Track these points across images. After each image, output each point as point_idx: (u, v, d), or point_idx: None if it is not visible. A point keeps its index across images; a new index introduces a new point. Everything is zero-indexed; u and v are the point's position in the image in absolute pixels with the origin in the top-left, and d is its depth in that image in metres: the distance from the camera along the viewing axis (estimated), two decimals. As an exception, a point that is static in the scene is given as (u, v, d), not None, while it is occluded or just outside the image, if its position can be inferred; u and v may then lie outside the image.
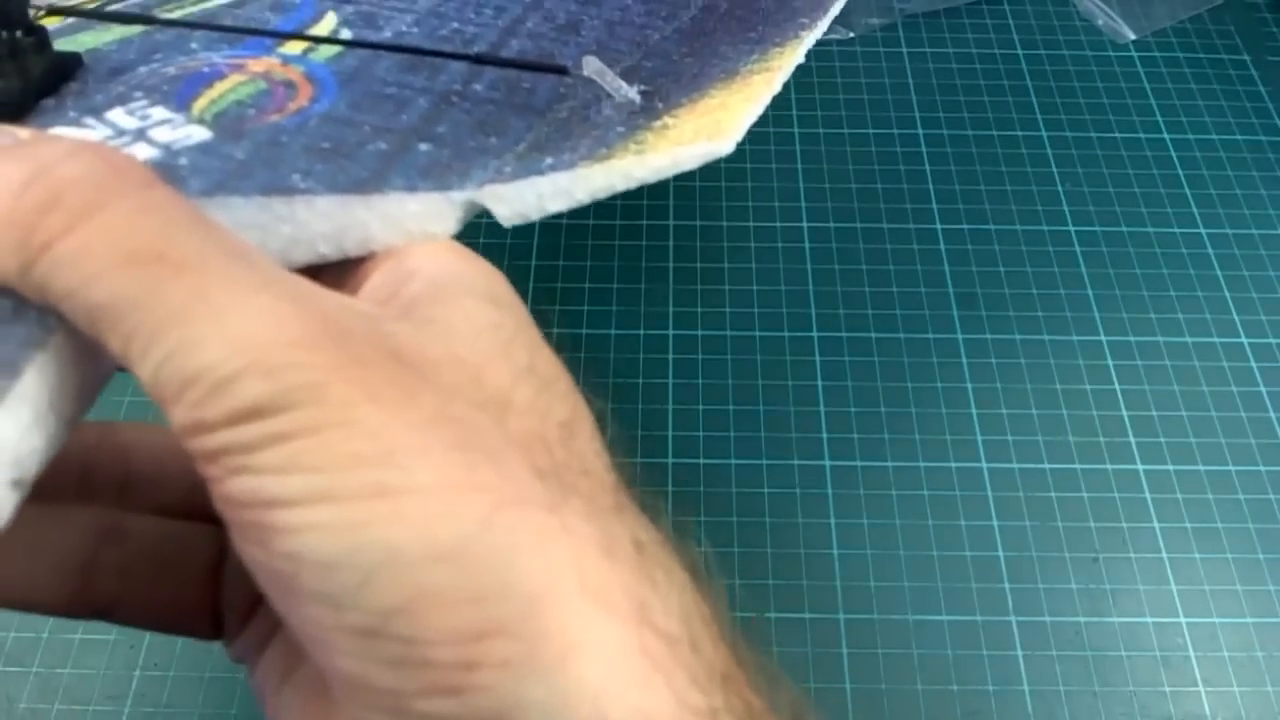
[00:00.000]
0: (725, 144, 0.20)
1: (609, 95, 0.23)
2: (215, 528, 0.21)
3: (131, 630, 0.34)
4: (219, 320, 0.14)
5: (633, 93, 0.23)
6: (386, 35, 0.25)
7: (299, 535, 0.14)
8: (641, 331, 0.41)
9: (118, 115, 0.20)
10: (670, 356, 0.40)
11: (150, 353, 0.14)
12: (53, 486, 0.15)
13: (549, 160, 0.20)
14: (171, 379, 0.14)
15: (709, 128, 0.21)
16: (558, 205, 0.20)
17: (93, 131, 0.20)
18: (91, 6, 0.25)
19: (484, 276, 0.18)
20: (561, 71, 0.23)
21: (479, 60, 0.23)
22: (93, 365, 0.16)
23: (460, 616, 0.13)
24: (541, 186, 0.20)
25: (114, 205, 0.14)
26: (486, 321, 0.17)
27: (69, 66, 0.22)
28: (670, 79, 0.24)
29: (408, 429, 0.14)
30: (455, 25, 0.25)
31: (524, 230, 0.43)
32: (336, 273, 0.18)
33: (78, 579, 0.20)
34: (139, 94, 0.21)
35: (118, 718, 0.32)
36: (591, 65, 0.23)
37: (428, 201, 0.19)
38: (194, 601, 0.21)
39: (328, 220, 0.18)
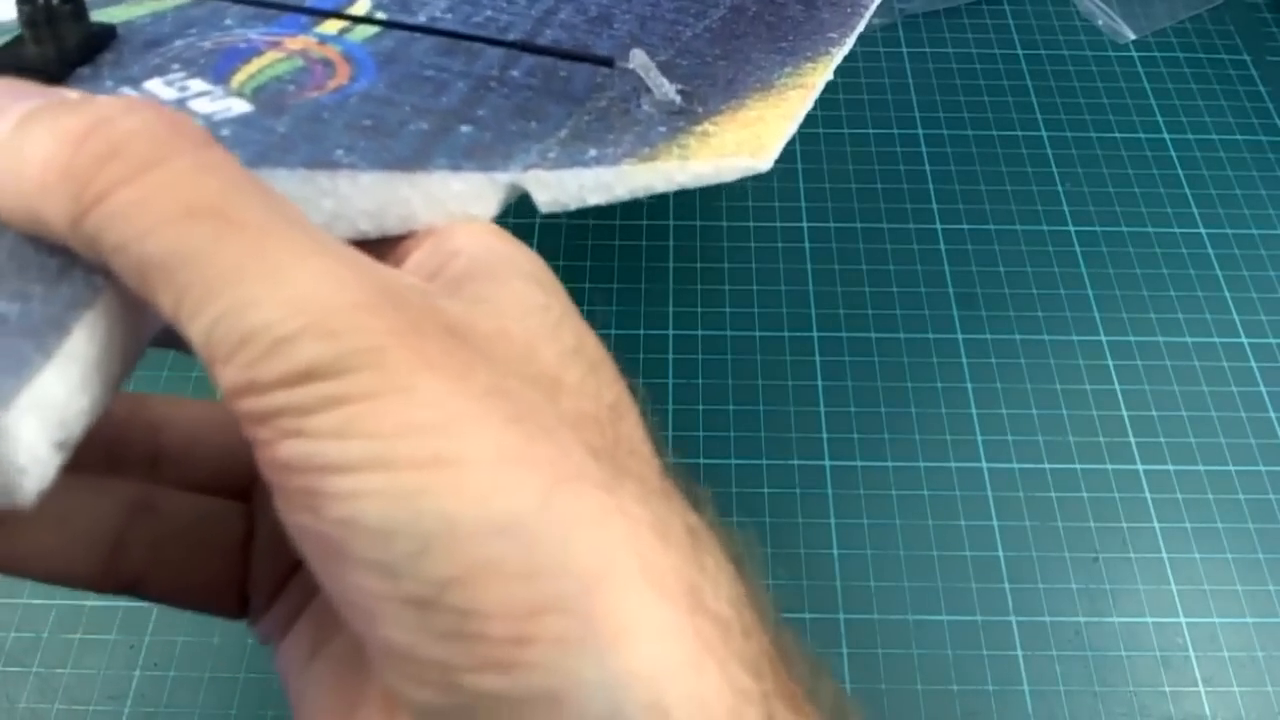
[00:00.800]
0: (765, 161, 0.21)
1: (648, 90, 0.23)
2: (244, 504, 0.21)
3: (131, 630, 0.34)
4: (277, 279, 0.14)
5: (673, 91, 0.22)
6: (420, 19, 0.25)
7: (354, 501, 0.13)
8: (641, 331, 0.41)
9: (156, 86, 0.20)
10: (670, 356, 0.40)
11: (204, 310, 0.14)
12: (85, 456, 0.15)
13: (593, 152, 0.20)
14: (225, 338, 0.14)
15: (750, 142, 0.21)
16: (597, 198, 0.20)
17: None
18: None
19: (528, 259, 0.18)
20: (607, 64, 0.23)
21: (524, 48, 0.23)
22: (137, 327, 0.16)
23: (516, 591, 0.13)
24: (584, 177, 0.20)
25: (173, 160, 0.14)
26: (535, 303, 0.16)
27: (104, 37, 0.22)
28: (707, 82, 0.24)
29: (466, 399, 0.14)
30: (489, 12, 0.25)
31: (524, 230, 0.43)
32: (374, 250, 0.18)
33: (108, 552, 0.20)
34: (176, 66, 0.21)
35: (118, 718, 0.32)
36: (638, 59, 0.23)
37: (471, 181, 0.19)
38: (222, 578, 0.21)
39: (370, 196, 0.18)
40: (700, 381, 0.39)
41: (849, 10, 0.28)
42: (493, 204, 0.19)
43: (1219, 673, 0.33)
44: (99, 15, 0.23)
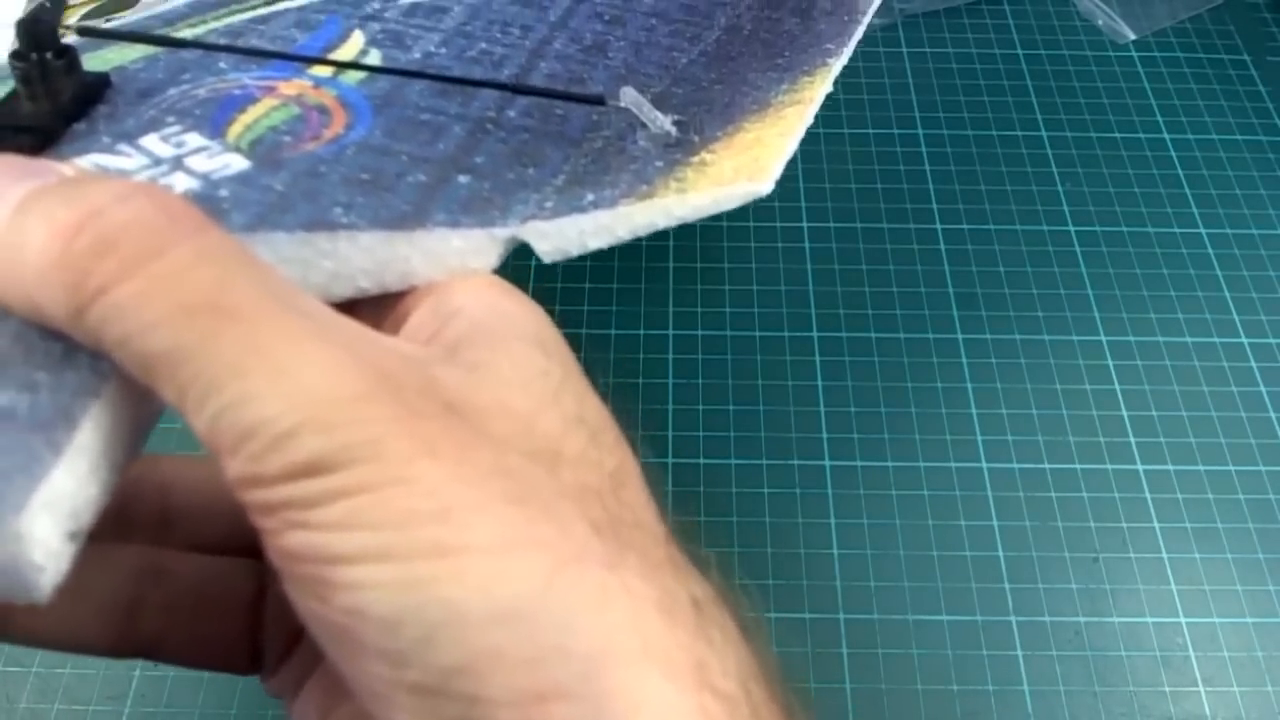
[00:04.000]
0: (765, 184, 0.21)
1: (643, 125, 0.22)
2: (255, 562, 0.21)
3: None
4: (276, 373, 0.14)
5: (668, 124, 0.22)
6: (415, 55, 0.24)
7: (360, 592, 0.14)
8: (641, 331, 0.41)
9: (152, 142, 0.20)
10: (670, 356, 0.40)
11: (206, 404, 0.14)
12: (95, 525, 0.15)
13: (590, 196, 0.20)
14: (228, 431, 0.14)
15: (748, 166, 0.21)
16: (599, 242, 0.20)
17: (128, 159, 0.20)
18: (118, 25, 0.24)
19: (529, 317, 0.18)
20: (598, 102, 0.23)
21: (516, 90, 0.23)
22: (144, 410, 0.16)
23: (522, 677, 0.13)
24: (584, 223, 0.20)
25: (169, 252, 0.14)
26: (535, 368, 0.16)
27: (98, 87, 0.21)
28: (703, 108, 0.24)
29: (464, 484, 0.14)
30: (483, 46, 0.25)
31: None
32: (373, 306, 0.18)
33: (123, 620, 0.20)
34: (171, 118, 0.21)
35: (118, 718, 0.32)
36: (628, 96, 0.23)
37: (470, 237, 0.19)
38: (236, 637, 0.21)
39: (370, 255, 0.18)
40: (700, 381, 0.39)
41: (846, 19, 0.28)
42: (492, 257, 0.19)
43: (1219, 673, 0.33)
44: (91, 59, 0.22)
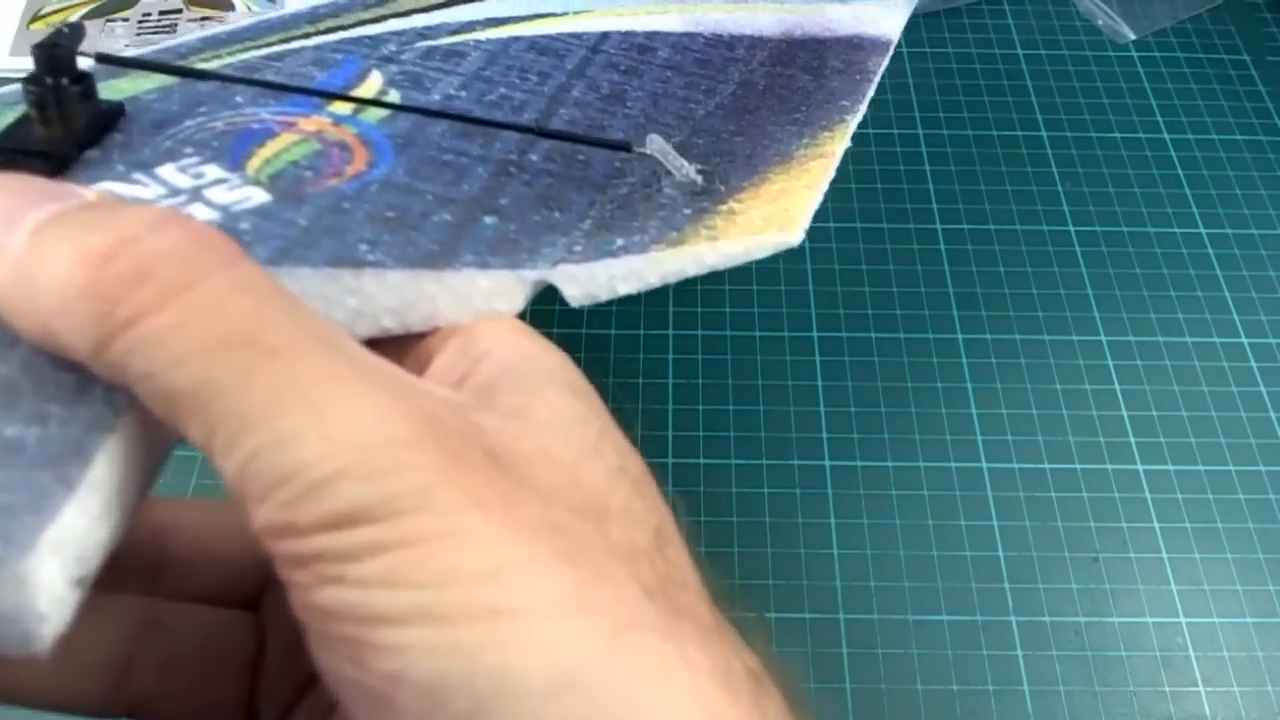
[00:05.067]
0: (796, 235, 0.21)
1: (669, 173, 0.22)
2: (253, 615, 0.20)
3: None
4: (316, 413, 0.13)
5: (693, 172, 0.22)
6: (435, 98, 0.24)
7: (403, 655, 0.12)
8: (641, 331, 0.41)
9: (169, 172, 0.20)
10: (670, 356, 0.40)
11: (238, 445, 0.13)
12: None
13: (620, 241, 0.20)
14: (261, 475, 0.13)
15: (778, 216, 0.21)
16: (629, 288, 0.20)
17: (145, 189, 0.19)
18: (136, 54, 0.24)
19: (559, 361, 0.17)
20: (625, 149, 0.23)
21: (541, 134, 0.23)
22: (158, 446, 0.15)
23: None
24: (614, 268, 0.19)
25: (204, 282, 0.13)
26: (574, 415, 0.16)
27: (112, 116, 0.21)
28: (725, 159, 0.24)
29: (517, 539, 0.13)
30: (502, 90, 0.25)
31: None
32: (392, 346, 0.17)
33: (115, 677, 0.19)
34: (189, 150, 0.20)
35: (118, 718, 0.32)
36: (655, 144, 0.23)
37: (498, 278, 0.18)
38: (232, 696, 0.20)
39: (396, 294, 0.17)
40: (700, 381, 0.39)
41: (857, 77, 0.28)
42: (519, 300, 0.19)
43: (1219, 673, 0.33)
44: (102, 89, 0.22)
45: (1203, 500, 0.37)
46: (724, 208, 0.22)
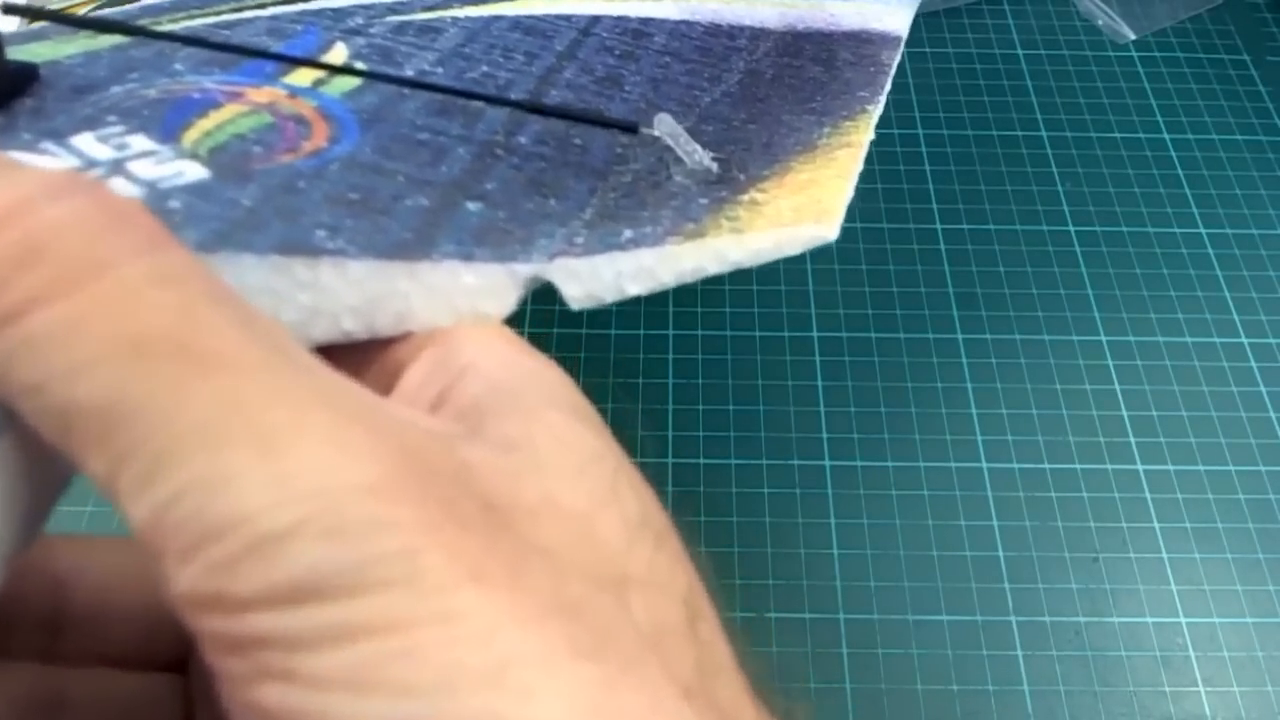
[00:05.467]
0: (832, 228, 0.18)
1: (678, 160, 0.20)
2: (178, 677, 0.17)
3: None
4: (266, 446, 0.10)
5: (708, 159, 0.20)
6: (408, 73, 0.21)
7: None
8: (641, 331, 0.41)
9: (86, 141, 0.16)
10: (670, 356, 0.40)
11: (155, 483, 0.10)
12: None
13: (628, 233, 0.17)
14: (185, 525, 0.10)
15: (810, 207, 0.19)
16: (638, 288, 0.17)
17: (54, 159, 0.16)
18: (56, 9, 0.21)
19: (558, 380, 0.14)
20: (630, 129, 0.20)
21: (534, 109, 0.20)
22: (48, 480, 0.12)
23: None
24: (622, 264, 0.17)
25: (117, 267, 0.10)
26: (585, 450, 0.13)
27: (22, 79, 0.18)
28: (741, 147, 0.21)
29: (524, 626, 0.10)
30: (485, 69, 0.22)
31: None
32: (351, 355, 0.14)
33: None
34: (113, 118, 0.17)
35: None
36: (665, 124, 0.20)
37: (486, 274, 0.16)
38: None
39: (359, 290, 0.15)
40: (700, 381, 0.39)
41: (872, 69, 0.26)
42: (509, 300, 0.16)
43: (1219, 673, 0.33)
44: (16, 53, 0.19)
45: (1203, 500, 0.37)
46: (745, 198, 0.19)
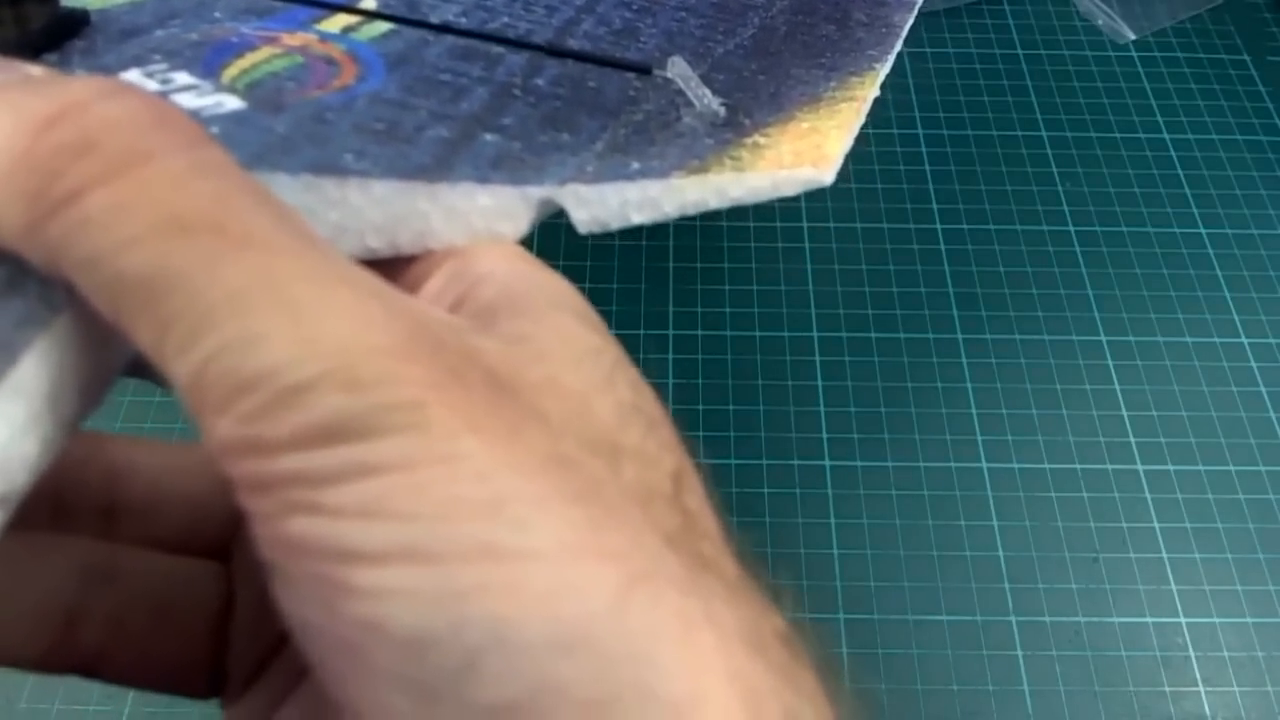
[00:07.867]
0: (829, 172, 0.19)
1: (688, 103, 0.21)
2: (220, 565, 0.18)
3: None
4: (293, 312, 0.11)
5: (716, 103, 0.21)
6: (432, 22, 0.23)
7: (382, 601, 0.11)
8: (641, 331, 0.41)
9: (134, 76, 0.18)
10: (670, 356, 0.40)
11: (195, 344, 0.11)
12: (27, 508, 0.13)
13: (636, 164, 0.18)
14: (221, 380, 0.11)
15: (810, 151, 0.20)
16: (642, 217, 0.18)
17: None
18: None
19: (566, 289, 0.15)
20: (644, 71, 0.21)
21: (552, 52, 0.21)
22: (104, 356, 0.13)
23: None
24: (628, 193, 0.18)
25: (162, 157, 0.12)
26: (585, 344, 0.14)
27: (74, 23, 0.19)
28: (749, 95, 0.22)
29: (520, 471, 0.11)
30: (505, 19, 0.23)
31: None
32: (380, 271, 0.15)
33: (59, 628, 0.16)
34: (158, 56, 0.19)
35: (118, 717, 0.32)
36: (677, 67, 0.21)
37: (500, 196, 0.17)
38: (194, 655, 0.18)
39: (383, 209, 0.16)
40: (700, 381, 0.39)
41: (884, 30, 0.27)
42: (523, 222, 0.17)
43: (1219, 673, 0.33)
44: (69, 0, 0.20)
45: (1203, 500, 0.37)
46: (749, 140, 0.20)
